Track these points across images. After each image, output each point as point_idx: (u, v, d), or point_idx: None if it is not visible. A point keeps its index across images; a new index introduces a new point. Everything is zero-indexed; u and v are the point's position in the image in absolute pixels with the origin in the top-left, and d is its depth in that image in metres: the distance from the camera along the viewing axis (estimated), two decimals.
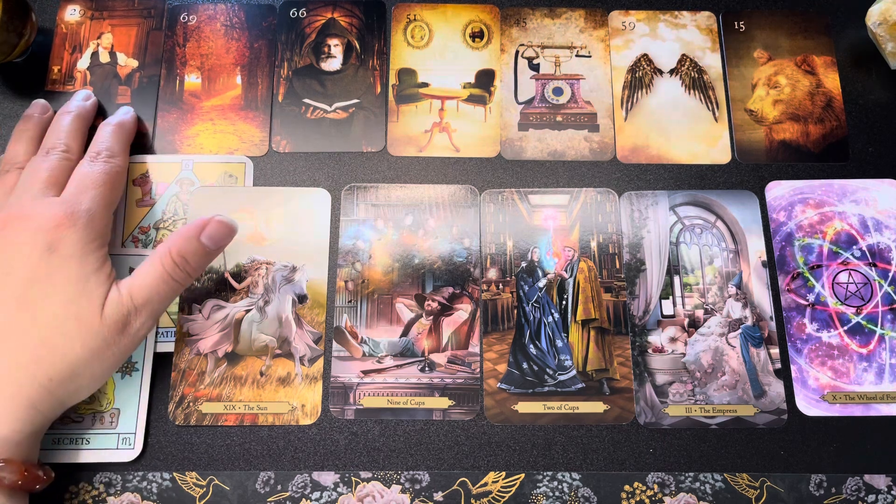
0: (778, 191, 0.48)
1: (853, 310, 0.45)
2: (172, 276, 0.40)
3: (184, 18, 0.51)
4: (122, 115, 0.47)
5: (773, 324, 0.45)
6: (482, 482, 0.42)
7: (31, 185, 0.41)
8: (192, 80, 0.50)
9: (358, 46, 0.51)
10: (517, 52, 0.51)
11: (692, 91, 0.50)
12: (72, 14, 0.51)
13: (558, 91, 0.50)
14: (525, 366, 0.44)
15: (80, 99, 0.48)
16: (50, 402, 0.37)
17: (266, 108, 0.49)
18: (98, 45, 0.50)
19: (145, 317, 0.39)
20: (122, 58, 0.50)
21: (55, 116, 0.46)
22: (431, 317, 0.45)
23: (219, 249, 0.42)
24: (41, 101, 0.48)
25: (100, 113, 0.49)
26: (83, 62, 0.50)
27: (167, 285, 0.40)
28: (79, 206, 0.40)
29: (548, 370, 0.44)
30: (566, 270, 0.46)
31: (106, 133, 0.45)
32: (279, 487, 0.41)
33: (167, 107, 0.49)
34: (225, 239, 0.41)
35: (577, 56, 0.51)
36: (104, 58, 0.50)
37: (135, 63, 0.50)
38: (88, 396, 0.40)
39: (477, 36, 0.51)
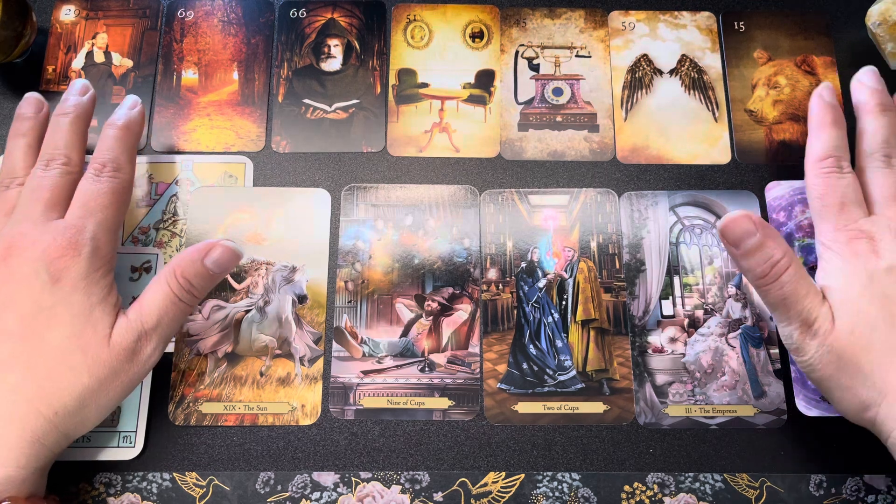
0: (778, 191, 0.49)
1: None
2: (179, 297, 0.40)
3: (181, 14, 0.53)
4: (128, 110, 0.45)
5: (772, 324, 0.46)
6: (482, 482, 0.43)
7: (31, 208, 0.40)
8: (189, 75, 0.52)
9: (358, 47, 0.52)
10: (517, 52, 0.53)
11: (692, 91, 0.52)
12: (66, 14, 0.52)
13: (558, 91, 0.52)
14: (525, 366, 0.46)
15: (77, 93, 0.44)
16: (55, 436, 0.37)
17: (263, 104, 0.51)
18: (93, 44, 0.52)
19: (156, 341, 0.39)
20: (116, 58, 0.51)
21: (52, 119, 0.44)
22: (431, 317, 0.46)
23: (223, 274, 0.42)
24: (34, 97, 0.45)
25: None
26: (78, 62, 0.51)
27: (175, 306, 0.40)
28: (83, 233, 0.39)
29: (548, 370, 0.46)
30: (566, 271, 0.48)
31: (110, 140, 0.43)
32: (279, 488, 0.43)
33: (164, 102, 0.51)
34: (230, 264, 0.42)
35: (577, 56, 0.53)
36: (99, 58, 0.51)
37: (129, 63, 0.51)
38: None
39: (477, 36, 0.53)
